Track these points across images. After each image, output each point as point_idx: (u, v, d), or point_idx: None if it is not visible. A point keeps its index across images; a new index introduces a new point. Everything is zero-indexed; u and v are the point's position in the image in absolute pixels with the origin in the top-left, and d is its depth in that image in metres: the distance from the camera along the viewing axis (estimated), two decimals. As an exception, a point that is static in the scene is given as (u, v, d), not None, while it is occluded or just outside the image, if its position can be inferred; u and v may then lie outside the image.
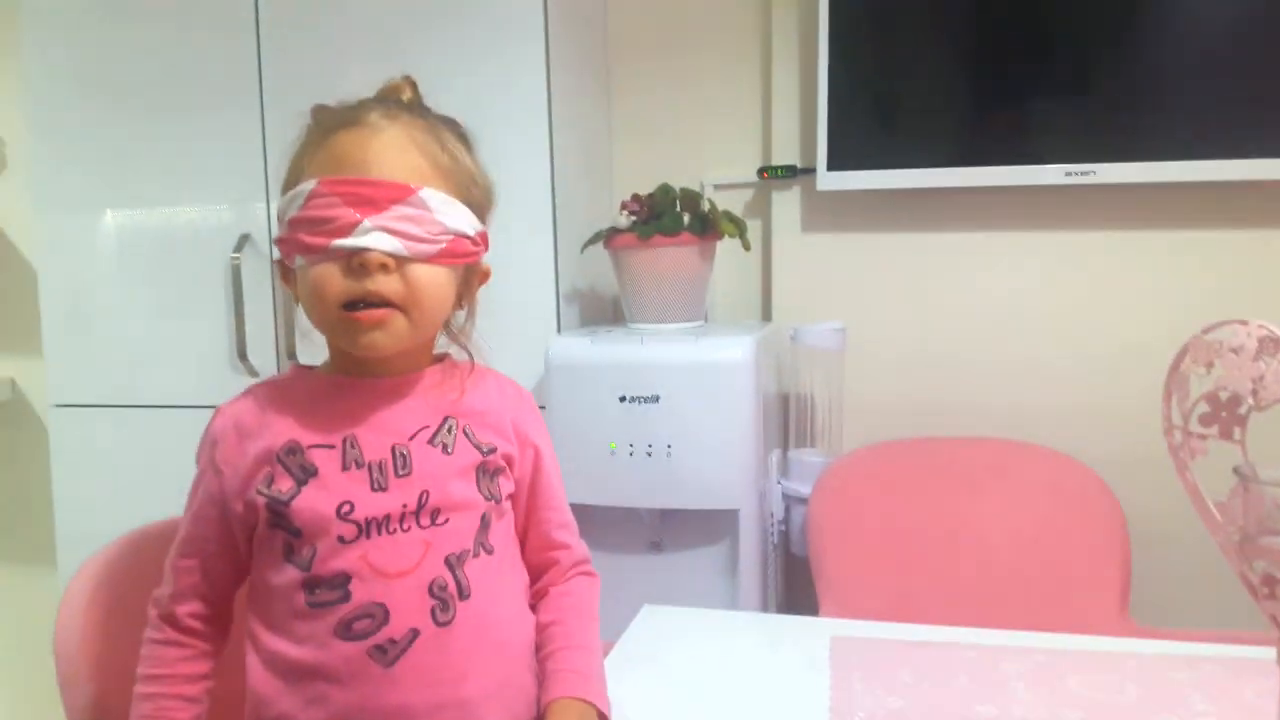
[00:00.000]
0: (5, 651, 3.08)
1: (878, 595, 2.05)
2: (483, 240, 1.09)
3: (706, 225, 2.22)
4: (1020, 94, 2.28)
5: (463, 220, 1.05)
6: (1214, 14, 2.16)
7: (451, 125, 1.11)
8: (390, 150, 1.02)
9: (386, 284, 1.00)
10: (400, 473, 1.05)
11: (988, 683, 1.30)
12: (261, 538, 1.06)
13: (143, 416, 2.42)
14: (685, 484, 2.05)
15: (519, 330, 2.19)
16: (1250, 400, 1.07)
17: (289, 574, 1.03)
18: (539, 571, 1.20)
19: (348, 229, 0.99)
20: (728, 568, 2.13)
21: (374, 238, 0.99)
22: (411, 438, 1.07)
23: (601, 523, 2.13)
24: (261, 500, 1.03)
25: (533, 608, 1.18)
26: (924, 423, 2.38)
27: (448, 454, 1.08)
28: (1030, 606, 2.00)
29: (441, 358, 1.17)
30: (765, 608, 2.16)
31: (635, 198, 2.25)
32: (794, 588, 2.42)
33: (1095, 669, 1.33)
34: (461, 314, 1.15)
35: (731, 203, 2.53)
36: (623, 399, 2.05)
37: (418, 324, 1.04)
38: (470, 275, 1.12)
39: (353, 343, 1.03)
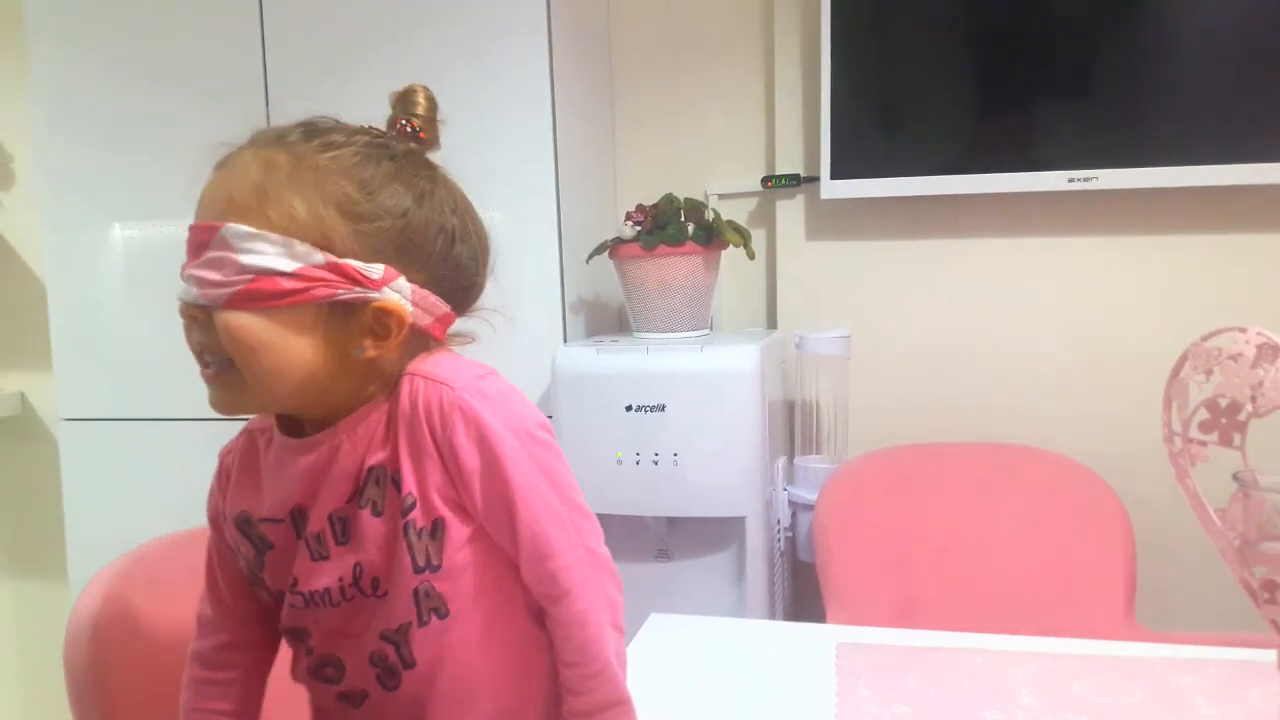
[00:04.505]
0: (17, 665, 3.10)
1: (884, 601, 2.06)
2: (337, 273, 0.91)
3: (711, 235, 2.23)
4: (1022, 101, 2.29)
5: (271, 256, 0.89)
6: (1215, 19, 2.17)
7: (364, 150, 0.97)
8: (213, 190, 0.93)
9: (199, 337, 0.93)
10: (340, 540, 0.98)
11: (993, 688, 1.31)
12: None
13: (152, 430, 2.43)
14: (692, 492, 2.06)
15: (525, 340, 2.20)
16: (1250, 407, 1.08)
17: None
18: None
19: (182, 282, 0.93)
20: (735, 575, 2.14)
21: (182, 288, 0.92)
22: (348, 500, 0.98)
23: (608, 531, 2.10)
24: (242, 561, 1.06)
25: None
26: (929, 428, 2.39)
27: (377, 515, 0.97)
28: (1036, 611, 2.00)
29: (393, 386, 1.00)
30: (772, 614, 2.17)
31: (640, 208, 2.26)
32: (801, 594, 2.43)
33: (1100, 673, 1.34)
34: (394, 357, 0.97)
35: (736, 212, 2.55)
36: (629, 408, 2.06)
37: (249, 378, 0.92)
38: (358, 318, 0.94)
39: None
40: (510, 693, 1.03)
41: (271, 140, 0.95)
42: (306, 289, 0.90)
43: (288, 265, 0.90)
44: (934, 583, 2.09)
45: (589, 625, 1.00)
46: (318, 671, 1.03)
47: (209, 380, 0.95)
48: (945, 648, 1.46)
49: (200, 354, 0.94)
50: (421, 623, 0.98)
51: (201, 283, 0.90)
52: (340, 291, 0.92)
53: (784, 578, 2.30)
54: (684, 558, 2.18)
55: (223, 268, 0.89)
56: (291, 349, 0.92)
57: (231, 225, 0.89)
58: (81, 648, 1.25)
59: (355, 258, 0.92)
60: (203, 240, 0.90)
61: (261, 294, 0.89)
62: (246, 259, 0.89)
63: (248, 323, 0.90)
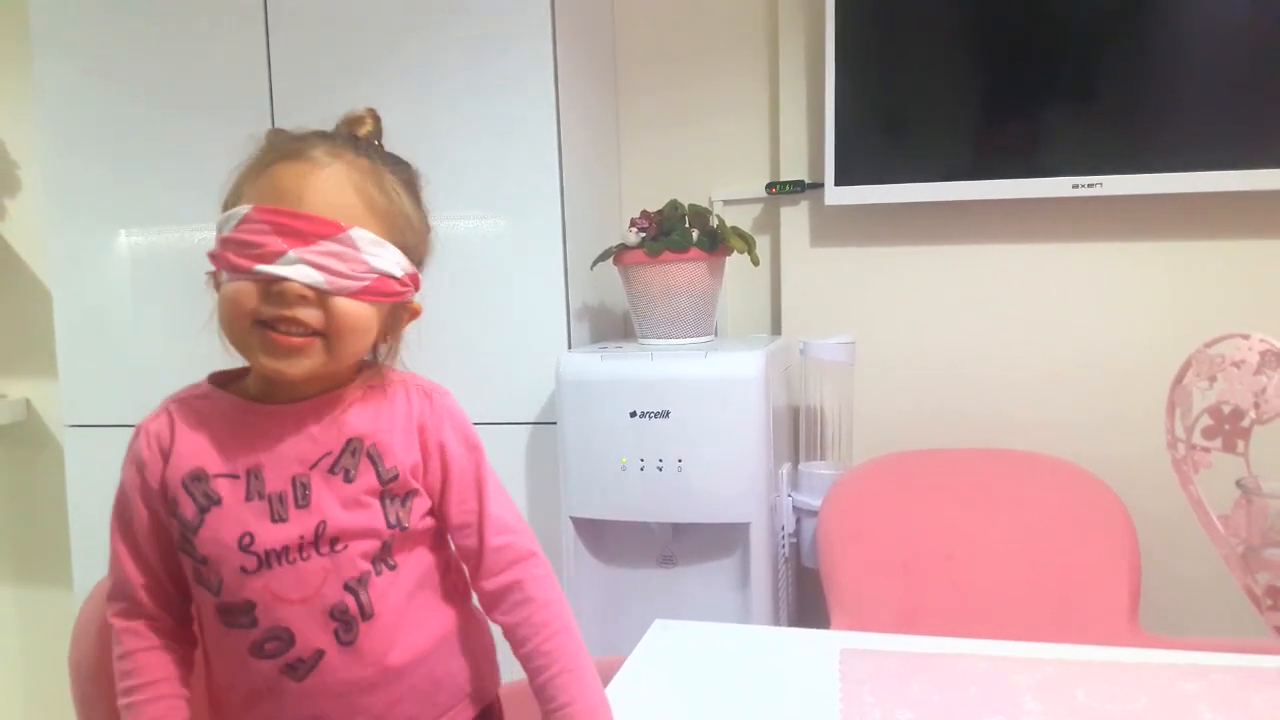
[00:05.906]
0: (22, 671, 3.10)
1: (888, 607, 2.05)
2: (412, 281, 1.13)
3: (715, 241, 2.23)
4: (1026, 107, 2.29)
5: (390, 262, 1.07)
6: (1219, 25, 2.17)
7: (397, 166, 1.14)
8: (327, 187, 1.05)
9: (306, 313, 1.03)
10: (300, 504, 1.08)
11: (997, 694, 1.30)
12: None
13: (157, 435, 2.43)
14: (696, 498, 2.06)
15: (530, 347, 2.20)
16: (1252, 413, 1.08)
17: (204, 597, 1.12)
18: (481, 570, 1.18)
19: (273, 257, 1.01)
20: (739, 581, 2.14)
21: (297, 269, 1.01)
22: (313, 466, 1.09)
23: (613, 537, 2.14)
24: (174, 523, 1.11)
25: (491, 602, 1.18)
26: (933, 434, 2.39)
27: (349, 481, 1.10)
28: (1040, 617, 2.00)
29: (365, 374, 1.17)
30: (777, 621, 2.17)
31: (644, 214, 2.26)
32: (805, 600, 2.43)
33: (1104, 679, 1.34)
34: (384, 348, 1.17)
35: (740, 218, 2.55)
36: (633, 414, 2.06)
37: (335, 354, 1.07)
38: (398, 312, 1.15)
39: (262, 362, 1.05)
40: (440, 650, 1.17)
41: (347, 147, 1.09)
42: (405, 291, 1.11)
43: (400, 271, 1.09)
44: (938, 588, 2.08)
45: (550, 584, 1.17)
46: (259, 648, 1.09)
47: (296, 349, 1.04)
48: (949, 653, 1.45)
49: (280, 321, 1.03)
50: (377, 573, 1.11)
51: (328, 271, 1.03)
52: (413, 295, 1.14)
53: (788, 584, 2.30)
54: (688, 564, 2.18)
55: (348, 262, 1.04)
56: (371, 336, 1.10)
57: (360, 230, 1.04)
58: (86, 653, 1.26)
59: (416, 265, 1.14)
60: (323, 233, 1.02)
61: (381, 291, 1.07)
62: (374, 261, 1.06)
63: (365, 312, 1.07)
